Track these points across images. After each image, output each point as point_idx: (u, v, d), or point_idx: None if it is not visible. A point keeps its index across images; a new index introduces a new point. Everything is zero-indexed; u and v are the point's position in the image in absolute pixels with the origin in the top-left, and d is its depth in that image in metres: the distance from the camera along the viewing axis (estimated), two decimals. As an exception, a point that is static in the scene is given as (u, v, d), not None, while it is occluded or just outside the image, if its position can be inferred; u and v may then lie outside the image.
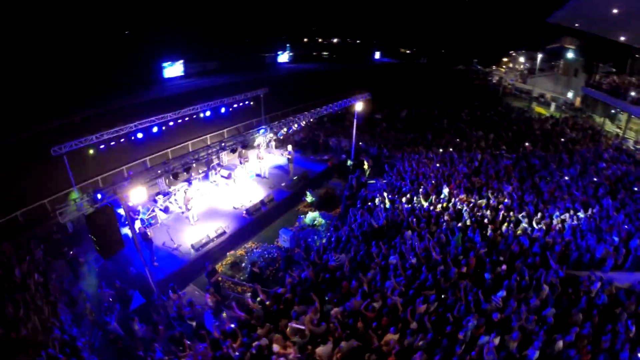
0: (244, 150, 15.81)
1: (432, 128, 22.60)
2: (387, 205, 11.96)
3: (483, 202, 12.06)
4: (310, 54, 53.30)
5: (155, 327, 8.35)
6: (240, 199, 13.95)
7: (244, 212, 12.99)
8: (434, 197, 12.64)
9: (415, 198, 12.51)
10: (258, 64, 42.87)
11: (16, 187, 14.63)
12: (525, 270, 8.14)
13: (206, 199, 14.11)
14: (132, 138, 13.76)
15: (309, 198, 14.56)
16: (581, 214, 10.42)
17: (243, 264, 10.69)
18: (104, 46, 34.89)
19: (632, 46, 23.50)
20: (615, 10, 19.02)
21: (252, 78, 33.12)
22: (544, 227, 10.18)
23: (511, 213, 11.28)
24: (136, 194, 8.12)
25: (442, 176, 14.35)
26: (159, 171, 9.02)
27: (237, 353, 6.43)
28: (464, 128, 21.82)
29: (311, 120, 13.17)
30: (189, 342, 7.34)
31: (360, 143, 20.92)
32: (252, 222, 12.81)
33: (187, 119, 15.72)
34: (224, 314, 8.83)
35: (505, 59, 43.08)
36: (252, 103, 18.94)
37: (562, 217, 10.51)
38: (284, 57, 47.07)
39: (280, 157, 17.91)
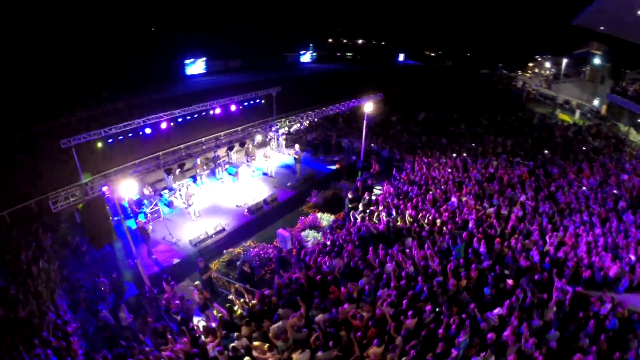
0: (251, 148, 15.78)
1: (448, 132, 21.87)
2: (391, 210, 11.56)
3: (492, 210, 11.46)
4: (334, 54, 53.11)
5: (144, 319, 8.37)
6: (244, 197, 13.89)
7: (246, 210, 12.91)
8: (441, 203, 12.16)
9: (421, 204, 12.04)
10: (280, 64, 43.04)
11: (40, 176, 15.09)
12: (532, 287, 7.61)
13: (210, 196, 14.14)
14: (140, 133, 13.92)
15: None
16: (597, 229, 9.67)
17: (238, 262, 10.59)
18: (130, 42, 35.83)
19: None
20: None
21: (272, 77, 33.13)
22: (556, 241, 9.53)
23: (522, 224, 10.66)
24: (126, 188, 8.11)
25: (453, 182, 13.80)
26: (149, 166, 9.01)
27: (213, 352, 6.32)
28: (482, 133, 21.01)
29: (316, 120, 12.92)
30: (169, 336, 7.27)
31: (372, 145, 20.53)
32: (252, 221, 12.71)
33: (203, 114, 15.82)
34: (215, 311, 8.77)
35: (530, 64, 41.69)
36: (263, 102, 18.88)
37: (577, 230, 9.82)
38: (306, 57, 47.14)
39: (289, 157, 17.77)
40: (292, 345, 6.37)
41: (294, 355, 5.98)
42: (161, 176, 14.74)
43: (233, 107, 16.96)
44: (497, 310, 6.91)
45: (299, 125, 15.50)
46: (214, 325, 7.13)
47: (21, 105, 21.74)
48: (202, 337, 6.99)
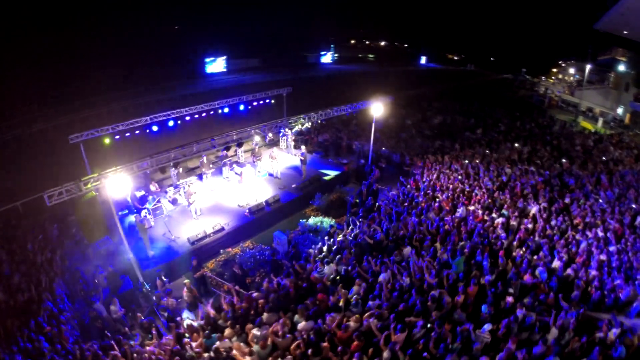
0: (257, 148, 15.74)
1: (463, 137, 21.19)
2: (393, 217, 11.19)
3: (500, 221, 10.90)
4: (356, 55, 52.95)
5: (133, 313, 8.44)
6: (247, 197, 13.83)
7: (247, 210, 12.83)
8: (447, 212, 11.69)
9: (426, 212, 11.61)
10: (300, 64, 43.07)
11: (59, 169, 15.55)
12: (538, 308, 7.12)
13: (214, 195, 14.16)
14: (147, 131, 14.13)
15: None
16: (612, 246, 9.01)
17: (237, 262, 10.48)
18: (154, 39, 36.66)
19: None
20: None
21: (290, 77, 33.26)
22: (565, 257, 8.93)
23: (531, 237, 10.09)
24: (118, 186, 8.16)
25: (462, 190, 13.28)
26: (146, 164, 9.04)
27: (193, 350, 6.24)
28: (498, 139, 20.24)
29: (319, 121, 12.71)
30: (154, 332, 7.26)
31: (383, 148, 20.13)
32: (253, 222, 12.61)
33: (211, 113, 15.89)
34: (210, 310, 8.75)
35: (554, 70, 40.29)
36: (273, 102, 18.82)
37: (590, 247, 9.18)
38: (327, 58, 47.08)
39: (296, 158, 17.63)
40: (270, 352, 6.20)
41: (273, 363, 5.80)
42: (168, 173, 14.91)
43: (242, 107, 16.98)
44: (487, 326, 6.49)
45: (309, 125, 15.29)
46: (196, 324, 7.05)
47: (45, 99, 22.66)
48: (187, 335, 6.95)
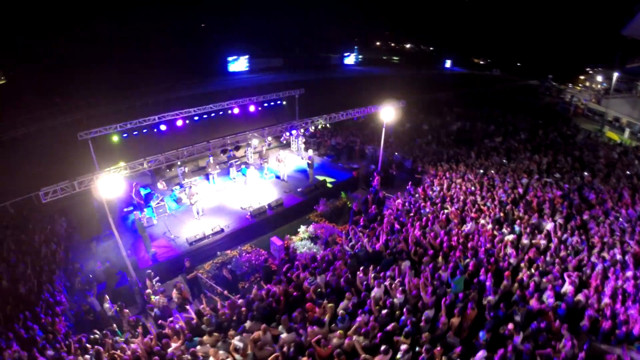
0: (264, 151, 15.65)
1: (480, 145, 20.35)
2: (395, 228, 10.77)
3: (510, 238, 10.27)
4: (380, 57, 52.42)
5: (121, 310, 8.50)
6: (251, 199, 13.75)
7: (249, 213, 12.73)
8: (454, 225, 11.15)
9: (431, 224, 11.10)
10: (322, 65, 43.01)
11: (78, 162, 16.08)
12: (543, 337, 6.58)
13: (219, 195, 14.16)
14: (155, 130, 14.30)
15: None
16: (629, 271, 8.28)
17: (229, 266, 10.40)
18: (182, 37, 37.53)
19: None
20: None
21: (310, 78, 33.20)
22: (577, 281, 8.27)
23: (542, 257, 9.42)
24: (111, 186, 8.21)
25: (472, 202, 12.65)
26: (142, 165, 9.06)
27: (172, 353, 6.14)
28: (518, 148, 19.30)
29: (328, 125, 12.44)
30: (140, 330, 7.27)
31: (396, 154, 19.60)
32: (253, 225, 12.50)
33: (221, 113, 15.95)
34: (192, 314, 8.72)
35: (582, 77, 38.34)
36: (284, 103, 18.73)
37: (606, 271, 8.48)
38: (350, 59, 46.80)
39: (305, 161, 17.44)
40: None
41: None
42: (176, 172, 15.04)
43: (252, 108, 16.94)
44: (482, 353, 6.04)
45: (320, 127, 15.06)
46: (177, 326, 6.97)
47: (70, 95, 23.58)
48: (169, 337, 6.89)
